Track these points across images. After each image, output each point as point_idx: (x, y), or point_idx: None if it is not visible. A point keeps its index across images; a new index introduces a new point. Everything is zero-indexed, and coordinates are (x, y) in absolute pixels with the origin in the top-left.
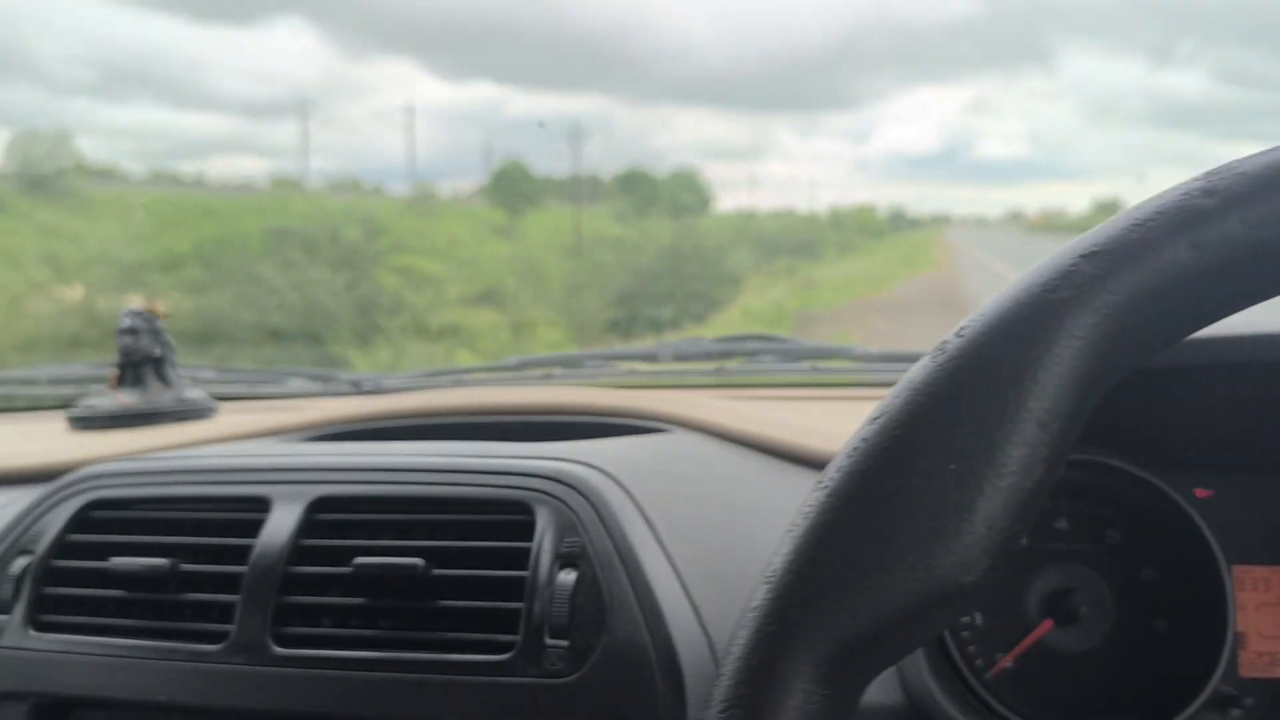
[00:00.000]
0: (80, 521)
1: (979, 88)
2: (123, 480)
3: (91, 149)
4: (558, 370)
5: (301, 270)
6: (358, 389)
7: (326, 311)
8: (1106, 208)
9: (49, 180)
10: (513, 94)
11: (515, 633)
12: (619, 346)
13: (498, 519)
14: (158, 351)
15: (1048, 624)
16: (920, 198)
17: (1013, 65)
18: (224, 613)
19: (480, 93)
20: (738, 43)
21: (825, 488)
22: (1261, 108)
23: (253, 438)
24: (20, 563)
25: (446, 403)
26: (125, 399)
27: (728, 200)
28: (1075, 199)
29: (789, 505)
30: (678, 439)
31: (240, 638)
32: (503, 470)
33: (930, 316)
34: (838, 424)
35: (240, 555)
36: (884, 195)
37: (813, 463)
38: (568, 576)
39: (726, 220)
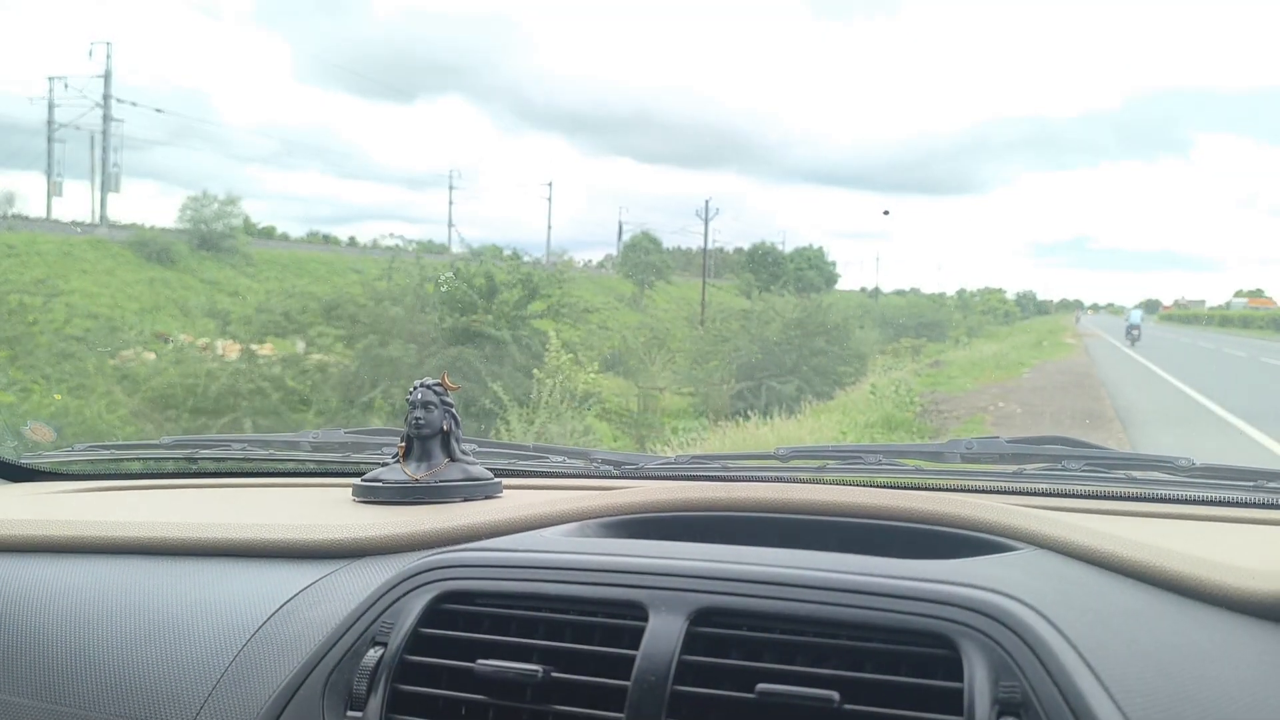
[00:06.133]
0: (433, 614)
1: (1114, 175)
2: (477, 572)
3: (259, 212)
4: (831, 464)
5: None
6: (619, 469)
7: (473, 370)
8: (1250, 297)
9: (216, 238)
10: (649, 171)
11: None
12: (903, 443)
13: (916, 651)
14: (447, 426)
15: None
16: (1051, 282)
17: (1149, 154)
18: None
19: (618, 168)
20: (869, 129)
21: None
22: None
23: (552, 523)
24: (373, 655)
25: (753, 497)
26: (414, 473)
27: (852, 278)
28: (1213, 288)
29: (1238, 657)
30: (1049, 562)
31: None
32: (918, 596)
33: (1065, 403)
34: (1209, 549)
35: (621, 668)
36: (1014, 279)
37: (1225, 601)
38: None
39: (851, 297)
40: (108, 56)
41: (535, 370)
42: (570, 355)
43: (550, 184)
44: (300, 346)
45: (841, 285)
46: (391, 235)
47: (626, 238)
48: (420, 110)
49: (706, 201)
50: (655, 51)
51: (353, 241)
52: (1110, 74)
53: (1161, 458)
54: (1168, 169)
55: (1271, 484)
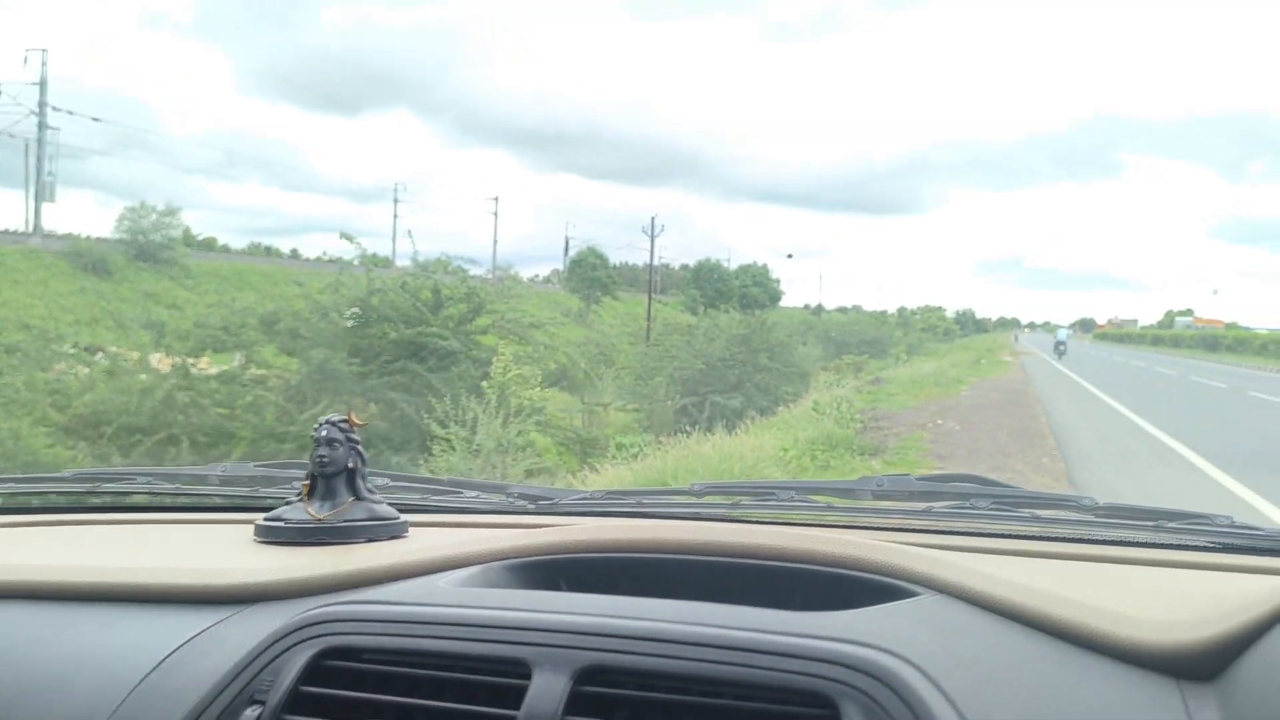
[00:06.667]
0: (314, 671)
1: (1051, 197)
2: (361, 627)
3: (200, 223)
4: (745, 500)
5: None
6: (535, 504)
7: (423, 383)
8: (1181, 319)
9: (155, 249)
10: (597, 187)
11: None
12: (818, 479)
13: (799, 711)
14: (353, 463)
15: None
16: (990, 300)
17: (1084, 177)
18: None
19: (566, 184)
20: (814, 149)
21: None
22: None
23: (454, 566)
24: (250, 715)
25: (659, 538)
26: (317, 512)
27: (796, 295)
28: (1145, 308)
29: (1123, 710)
30: (944, 609)
31: None
32: (803, 654)
33: (1002, 420)
34: (1105, 594)
35: None
36: (954, 297)
37: (1113, 651)
38: None
39: (795, 314)
40: (43, 64)
41: (484, 383)
42: (517, 370)
43: (496, 199)
44: (238, 360)
45: (785, 302)
46: (351, 241)
47: (573, 253)
48: (366, 123)
49: (653, 218)
50: (604, 69)
51: (295, 254)
52: (1048, 99)
53: (1067, 497)
54: (1102, 191)
55: (1171, 524)
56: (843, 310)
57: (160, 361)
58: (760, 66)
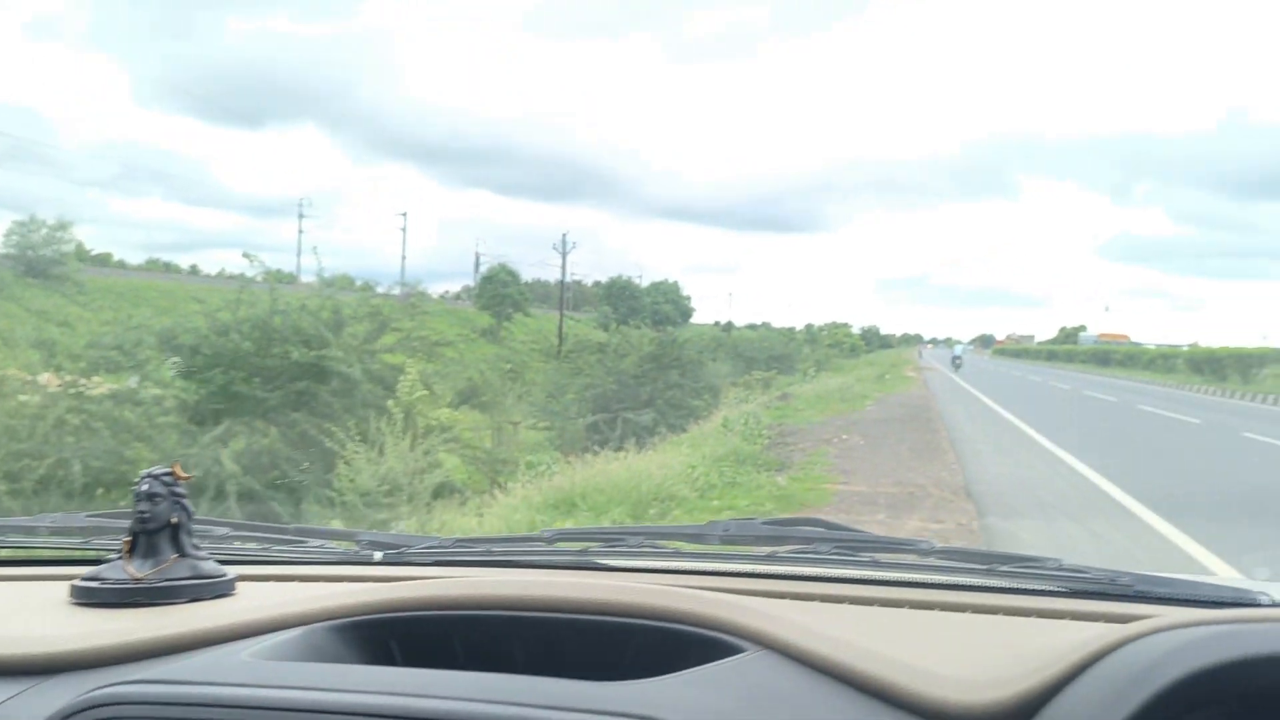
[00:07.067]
0: None
1: (952, 217)
2: (146, 710)
3: (95, 238)
4: (594, 546)
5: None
6: (381, 551)
7: (321, 404)
8: (1072, 335)
9: (45, 265)
10: (508, 203)
11: None
12: (664, 524)
13: None
14: (177, 518)
15: None
16: (894, 317)
17: (983, 197)
18: None
19: (476, 200)
20: (724, 168)
21: None
22: (1216, 246)
23: (275, 629)
24: None
25: (498, 594)
26: (137, 572)
27: (707, 312)
28: (1041, 324)
29: None
30: (765, 668)
31: None
32: None
33: (905, 435)
34: (927, 647)
35: None
36: (859, 314)
37: (924, 711)
38: None
39: (705, 330)
40: None
41: (390, 402)
42: (424, 390)
43: (405, 214)
44: (134, 381)
45: (696, 319)
46: (251, 259)
47: (484, 269)
48: (271, 136)
49: (564, 235)
50: (513, 85)
51: (195, 270)
52: (947, 122)
53: (906, 541)
54: (1000, 211)
55: (1003, 567)
56: (752, 327)
57: (49, 381)
58: (669, 86)
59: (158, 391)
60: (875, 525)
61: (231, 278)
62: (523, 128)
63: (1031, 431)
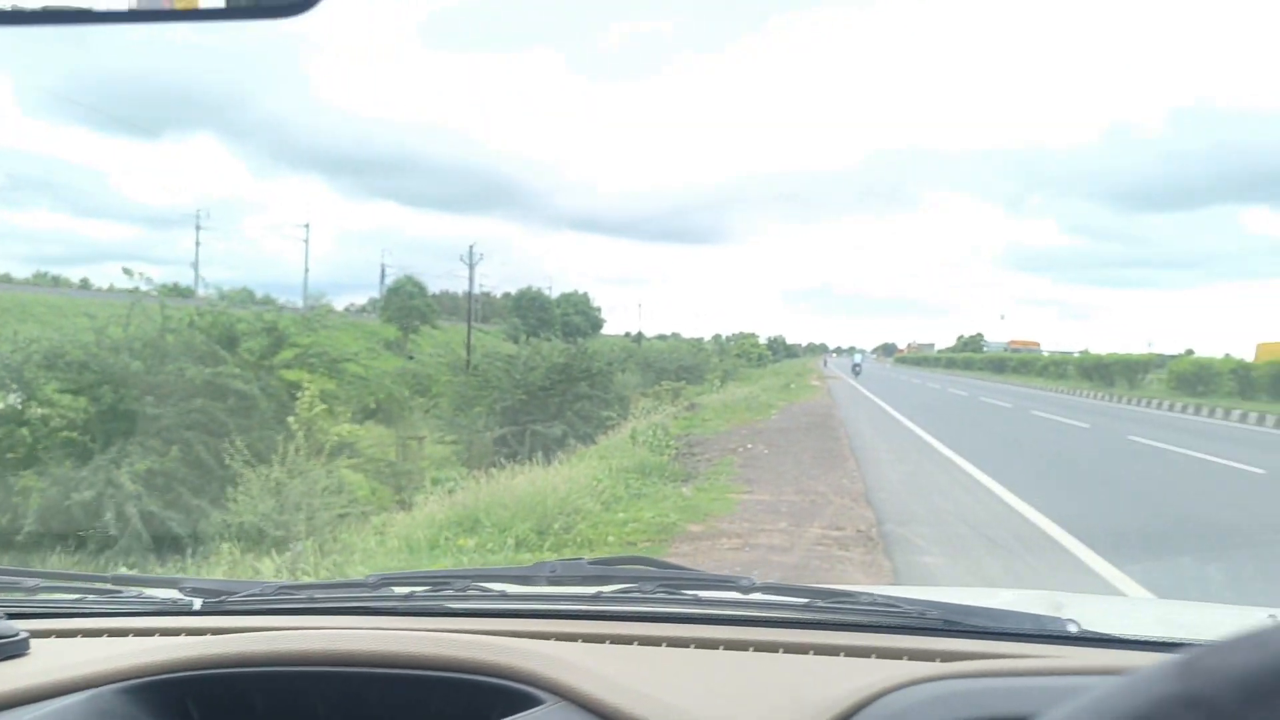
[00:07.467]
0: None
1: (854, 228)
2: None
3: None
4: (419, 591)
5: (185, 379)
6: (202, 599)
7: (218, 422)
8: (970, 342)
9: None
10: (414, 214)
11: None
12: (496, 566)
13: None
14: None
15: None
16: (800, 326)
17: (884, 210)
18: None
19: (382, 211)
20: (633, 179)
21: None
22: (1104, 257)
23: (65, 692)
24: None
25: (297, 649)
26: None
27: (617, 323)
28: (940, 333)
29: None
30: None
31: None
32: None
33: (808, 443)
34: (728, 693)
35: None
36: (766, 324)
37: None
38: None
39: (616, 342)
40: None
41: (290, 419)
42: (324, 406)
43: (307, 225)
44: (14, 399)
45: (607, 330)
46: (131, 275)
47: (390, 281)
48: (168, 147)
49: (471, 246)
50: (417, 97)
51: (85, 284)
52: (851, 136)
53: (728, 578)
54: (900, 223)
55: (819, 602)
56: (662, 337)
57: None
58: (576, 99)
59: (44, 411)
60: (778, 533)
61: (125, 292)
62: (429, 139)
63: (930, 438)
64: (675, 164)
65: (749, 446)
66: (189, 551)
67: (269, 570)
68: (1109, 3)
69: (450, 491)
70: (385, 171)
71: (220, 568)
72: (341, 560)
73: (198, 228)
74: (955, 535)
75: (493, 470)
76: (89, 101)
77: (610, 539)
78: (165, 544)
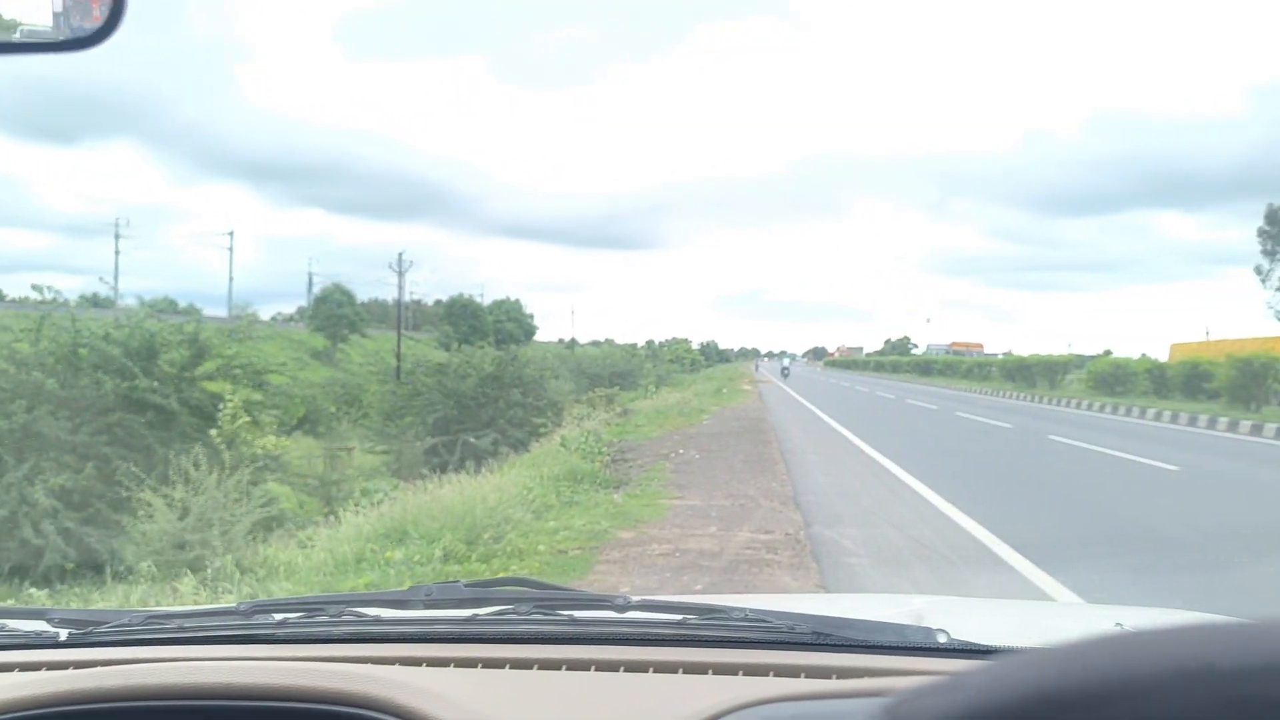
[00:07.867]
0: None
1: (784, 234)
2: None
3: None
4: (293, 617)
5: (99, 392)
6: (67, 629)
7: (137, 437)
8: (897, 345)
9: None
10: (342, 222)
11: None
12: (372, 590)
13: None
14: None
15: None
16: (732, 331)
17: (811, 215)
18: None
19: (309, 219)
20: (564, 186)
21: None
22: (1024, 261)
23: None
24: None
25: (155, 683)
26: None
27: (550, 330)
28: (869, 336)
29: None
30: None
31: None
32: None
33: (739, 448)
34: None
35: None
36: (699, 329)
37: None
38: None
39: (549, 348)
40: None
41: (212, 432)
42: (248, 418)
43: (231, 234)
44: None
45: (540, 336)
46: (40, 291)
47: (318, 290)
48: (86, 154)
49: (400, 253)
50: (343, 103)
51: None
52: (778, 143)
53: (603, 596)
54: (828, 229)
55: (692, 619)
56: (596, 344)
57: None
58: (504, 107)
59: None
60: (708, 538)
61: (39, 304)
62: (357, 146)
63: (857, 441)
64: (606, 171)
65: (681, 452)
66: (108, 571)
67: (187, 589)
68: (1028, 11)
69: (378, 503)
70: (313, 179)
71: (140, 587)
72: (264, 575)
73: (117, 236)
74: (881, 536)
75: (422, 480)
76: (1, 107)
77: (541, 548)
78: (86, 565)
